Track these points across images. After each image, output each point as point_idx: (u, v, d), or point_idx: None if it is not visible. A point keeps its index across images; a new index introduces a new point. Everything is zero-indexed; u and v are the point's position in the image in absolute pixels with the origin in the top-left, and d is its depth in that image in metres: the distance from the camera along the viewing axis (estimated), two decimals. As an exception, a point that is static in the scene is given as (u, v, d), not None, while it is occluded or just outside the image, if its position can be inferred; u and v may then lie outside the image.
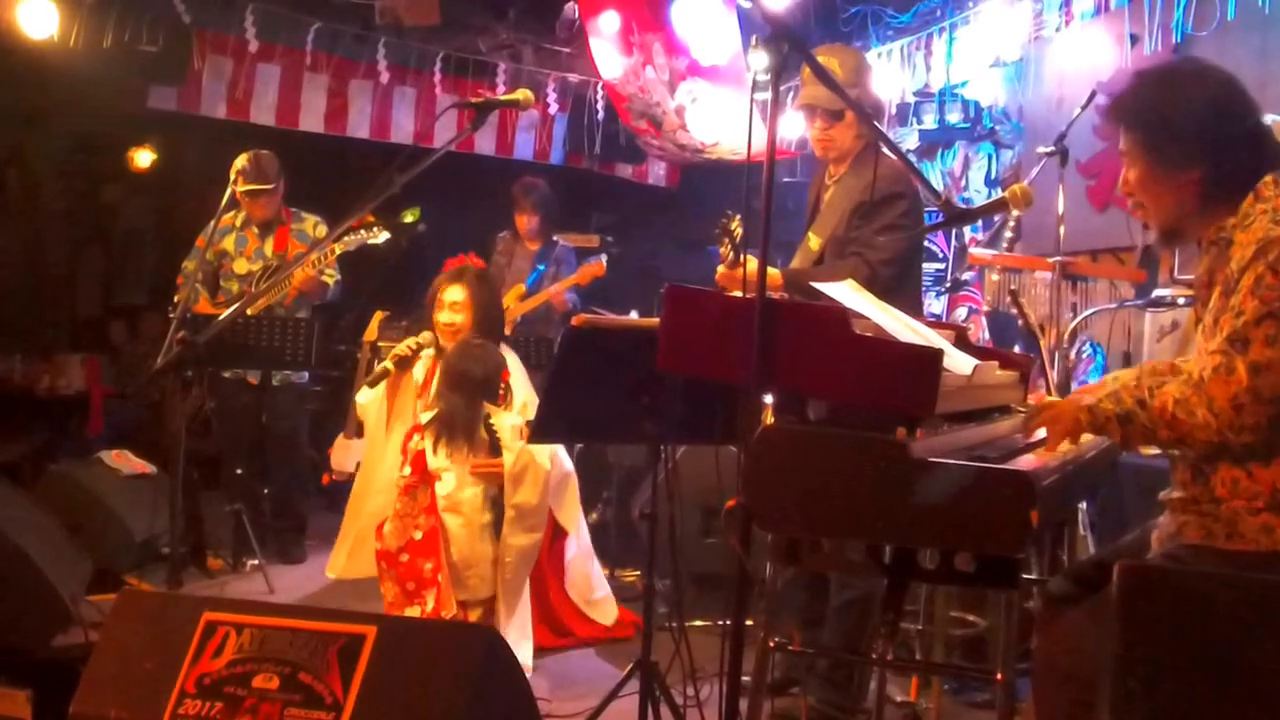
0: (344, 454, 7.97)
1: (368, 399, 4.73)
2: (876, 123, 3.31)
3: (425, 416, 4.18)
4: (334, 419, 8.23)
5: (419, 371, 4.67)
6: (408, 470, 4.14)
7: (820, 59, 3.39)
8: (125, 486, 5.86)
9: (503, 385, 4.30)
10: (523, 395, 4.54)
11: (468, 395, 4.16)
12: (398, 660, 2.42)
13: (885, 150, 3.70)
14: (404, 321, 6.28)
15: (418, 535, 4.06)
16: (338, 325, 8.68)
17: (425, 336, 4.64)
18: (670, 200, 9.53)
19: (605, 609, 4.90)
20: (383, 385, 4.66)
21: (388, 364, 4.64)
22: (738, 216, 3.72)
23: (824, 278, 3.28)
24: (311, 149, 8.23)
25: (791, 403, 2.46)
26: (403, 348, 4.63)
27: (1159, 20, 5.56)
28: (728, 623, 2.41)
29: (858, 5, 7.43)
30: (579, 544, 4.86)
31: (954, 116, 7.11)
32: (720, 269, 3.85)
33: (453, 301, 4.57)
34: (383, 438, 4.68)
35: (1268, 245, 2.31)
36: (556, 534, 4.75)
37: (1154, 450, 2.66)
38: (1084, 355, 5.73)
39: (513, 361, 4.67)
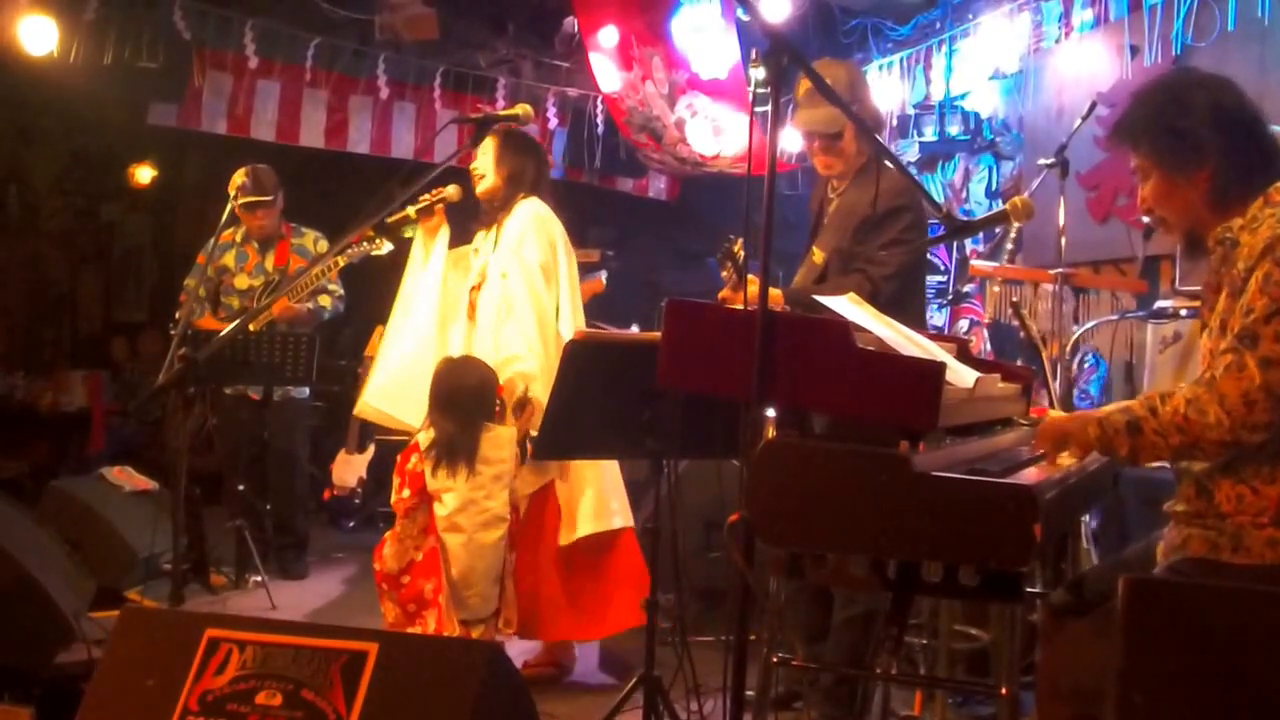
0: (345, 469, 7.99)
1: (416, 245, 4.63)
2: (876, 136, 3.30)
3: (423, 439, 4.12)
4: (335, 435, 8.26)
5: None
6: (406, 492, 4.09)
7: (816, 74, 3.39)
8: (127, 503, 5.85)
9: (499, 401, 4.21)
10: (533, 258, 4.37)
11: (462, 418, 4.07)
12: (401, 676, 2.41)
13: (887, 163, 3.69)
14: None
15: (418, 556, 4.03)
16: (338, 340, 8.68)
17: (451, 189, 4.54)
18: (670, 213, 9.54)
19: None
20: (420, 229, 4.57)
21: (410, 212, 4.52)
22: (740, 240, 3.72)
23: (827, 295, 3.28)
24: (312, 165, 8.24)
25: (793, 417, 2.45)
26: (425, 197, 4.52)
27: (1158, 31, 5.57)
28: (731, 638, 2.40)
29: (857, 18, 7.45)
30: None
31: (954, 129, 7.13)
32: (724, 291, 3.84)
33: (483, 155, 4.45)
34: (420, 275, 4.57)
35: (1275, 242, 2.32)
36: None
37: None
38: (1086, 366, 5.73)
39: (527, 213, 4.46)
